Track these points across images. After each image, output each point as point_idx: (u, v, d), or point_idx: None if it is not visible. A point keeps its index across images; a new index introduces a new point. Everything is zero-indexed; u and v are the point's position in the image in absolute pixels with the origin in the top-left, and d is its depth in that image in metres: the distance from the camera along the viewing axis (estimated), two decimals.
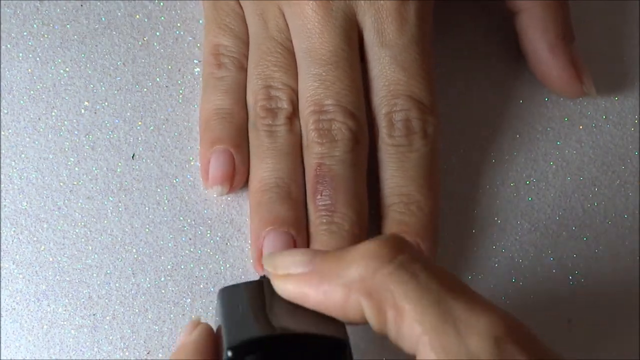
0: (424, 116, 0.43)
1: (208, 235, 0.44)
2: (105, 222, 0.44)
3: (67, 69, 0.47)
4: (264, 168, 0.43)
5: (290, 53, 0.45)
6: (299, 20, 0.44)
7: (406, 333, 0.32)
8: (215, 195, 0.44)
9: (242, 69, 0.46)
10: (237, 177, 0.44)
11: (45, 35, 0.47)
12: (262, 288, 0.36)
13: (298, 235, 0.42)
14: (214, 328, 0.37)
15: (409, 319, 0.32)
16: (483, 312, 0.31)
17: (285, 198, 0.42)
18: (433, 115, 0.43)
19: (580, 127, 0.47)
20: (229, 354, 0.33)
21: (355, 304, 0.33)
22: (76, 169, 0.45)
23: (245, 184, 0.44)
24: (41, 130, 0.46)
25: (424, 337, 0.31)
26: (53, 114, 0.46)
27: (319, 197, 0.42)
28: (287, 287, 0.35)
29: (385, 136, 0.43)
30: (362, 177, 0.43)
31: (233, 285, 0.37)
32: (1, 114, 0.46)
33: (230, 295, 0.36)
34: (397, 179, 0.43)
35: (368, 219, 0.43)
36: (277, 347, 0.33)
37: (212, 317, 0.42)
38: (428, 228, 0.42)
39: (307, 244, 0.42)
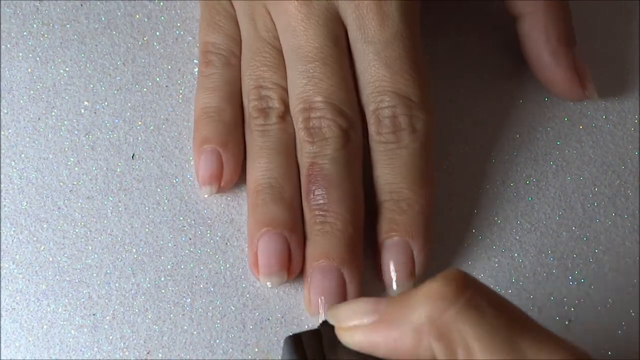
0: (412, 112, 0.42)
1: (208, 235, 0.44)
2: (105, 222, 0.44)
3: (67, 69, 0.47)
4: (258, 168, 0.43)
5: (279, 52, 0.44)
6: (284, 19, 0.44)
7: None
8: (205, 196, 0.44)
9: (230, 65, 0.45)
10: (225, 176, 0.44)
11: (45, 35, 0.47)
12: (323, 336, 0.35)
13: (292, 236, 0.42)
14: None
15: (479, 359, 0.31)
16: (552, 349, 0.31)
17: (278, 199, 0.42)
18: (422, 111, 0.43)
19: (580, 127, 0.47)
20: None
21: (427, 348, 0.32)
22: (76, 169, 0.45)
23: (241, 182, 0.44)
24: (41, 130, 0.46)
25: None
26: (53, 114, 0.46)
27: (312, 196, 0.42)
28: (355, 339, 0.34)
29: (373, 133, 0.43)
30: (356, 175, 0.43)
31: (297, 334, 0.36)
32: (1, 114, 0.46)
33: (296, 344, 0.35)
34: (387, 176, 0.42)
35: (364, 218, 0.43)
36: None
37: (211, 317, 0.42)
38: (419, 226, 0.42)
39: (303, 244, 0.42)
